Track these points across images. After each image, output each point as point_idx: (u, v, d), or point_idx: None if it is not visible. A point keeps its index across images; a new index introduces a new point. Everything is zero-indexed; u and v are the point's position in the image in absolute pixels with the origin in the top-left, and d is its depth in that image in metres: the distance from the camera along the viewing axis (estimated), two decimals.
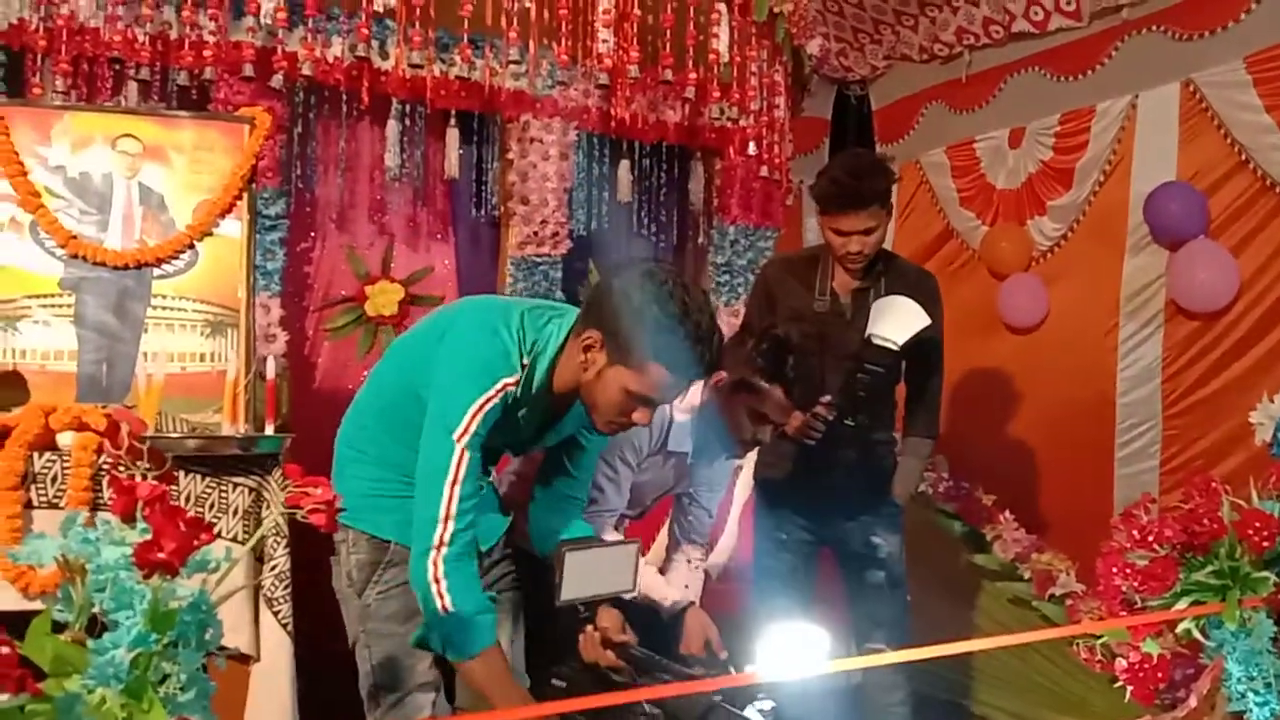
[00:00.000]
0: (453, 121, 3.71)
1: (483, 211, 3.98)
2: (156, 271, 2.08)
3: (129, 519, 0.93)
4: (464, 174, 3.91)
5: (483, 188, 3.97)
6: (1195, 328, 3.63)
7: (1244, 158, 3.47)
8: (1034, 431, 4.09)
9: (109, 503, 0.96)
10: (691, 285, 1.77)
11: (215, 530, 1.21)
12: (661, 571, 2.43)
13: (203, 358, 2.04)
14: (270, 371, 1.97)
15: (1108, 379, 3.89)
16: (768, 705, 1.81)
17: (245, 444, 1.93)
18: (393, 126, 3.65)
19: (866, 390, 2.41)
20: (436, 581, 1.62)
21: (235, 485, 1.91)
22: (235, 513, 1.87)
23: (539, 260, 3.97)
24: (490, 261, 4.12)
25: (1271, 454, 2.33)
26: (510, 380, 1.68)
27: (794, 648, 1.87)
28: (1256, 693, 1.55)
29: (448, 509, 1.62)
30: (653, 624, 2.24)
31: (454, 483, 1.63)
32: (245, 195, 2.12)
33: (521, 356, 1.71)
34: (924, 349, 2.57)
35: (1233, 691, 1.55)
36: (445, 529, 1.62)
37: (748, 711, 1.81)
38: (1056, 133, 4.09)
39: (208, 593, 0.93)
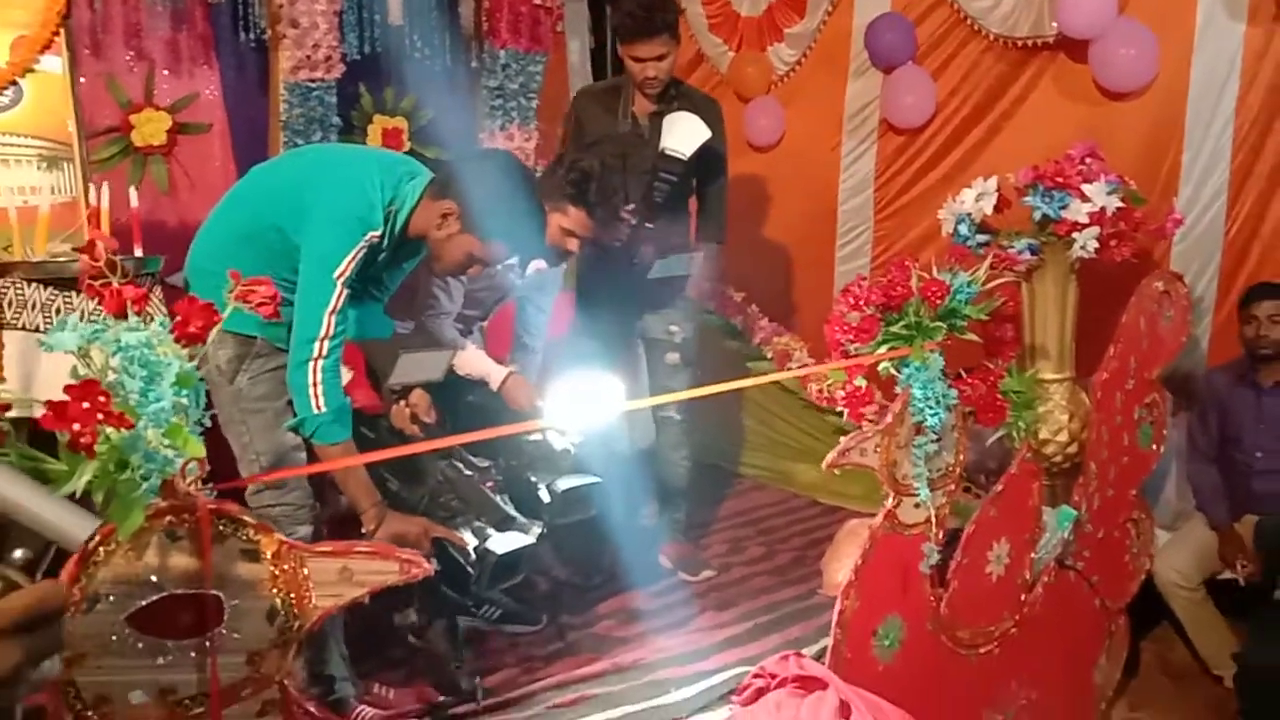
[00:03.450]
0: None
1: (250, 35, 3.92)
2: None
3: (121, 316, 1.18)
4: None
5: (248, 10, 3.90)
6: (901, 143, 4.26)
7: None
8: (772, 237, 4.69)
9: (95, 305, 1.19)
10: (532, 174, 2.21)
11: None
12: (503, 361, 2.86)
13: (40, 190, 2.11)
14: (134, 200, 2.09)
15: (831, 190, 4.50)
16: (577, 438, 2.34)
17: (135, 265, 2.08)
18: None
19: (663, 197, 2.87)
20: (314, 385, 1.98)
21: None
22: None
23: (313, 85, 3.99)
24: (259, 87, 4.09)
25: (953, 242, 2.99)
26: (376, 234, 2.05)
27: (591, 395, 2.38)
28: (930, 408, 2.17)
29: (327, 330, 1.98)
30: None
31: (333, 311, 1.99)
32: (63, 31, 2.15)
33: (383, 210, 2.06)
34: (708, 160, 3.05)
35: (915, 408, 2.17)
36: (323, 346, 1.98)
37: (559, 441, 2.34)
38: None
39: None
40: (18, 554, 0.64)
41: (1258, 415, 3.12)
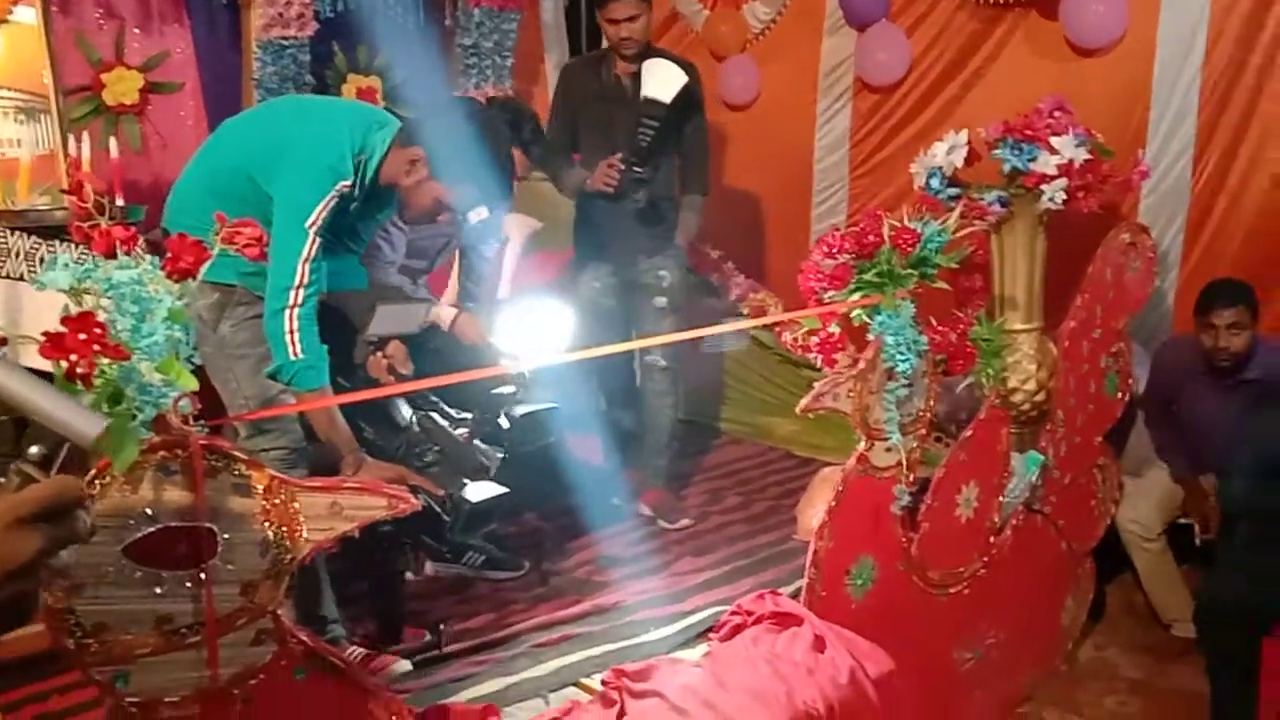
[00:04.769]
0: None
1: None
2: None
3: (110, 256, 1.21)
4: None
5: None
6: (876, 100, 4.29)
7: None
8: (748, 194, 4.72)
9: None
10: (499, 124, 2.28)
11: None
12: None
13: (18, 143, 2.11)
14: (114, 150, 2.10)
15: (807, 148, 4.53)
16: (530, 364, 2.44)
17: (119, 213, 2.09)
18: None
19: (648, 142, 3.04)
20: (291, 333, 2.01)
21: None
22: None
23: (286, 43, 3.97)
24: (232, 45, 4.06)
25: (925, 193, 3.03)
26: (346, 183, 2.07)
27: (541, 325, 2.45)
28: (902, 354, 2.23)
29: (301, 279, 2.00)
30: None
31: (306, 260, 2.01)
32: None
33: (353, 158, 2.08)
34: (688, 112, 3.26)
35: (887, 354, 2.22)
36: (299, 294, 2.01)
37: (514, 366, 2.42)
38: None
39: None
40: (34, 450, 0.68)
41: (1224, 411, 2.98)
